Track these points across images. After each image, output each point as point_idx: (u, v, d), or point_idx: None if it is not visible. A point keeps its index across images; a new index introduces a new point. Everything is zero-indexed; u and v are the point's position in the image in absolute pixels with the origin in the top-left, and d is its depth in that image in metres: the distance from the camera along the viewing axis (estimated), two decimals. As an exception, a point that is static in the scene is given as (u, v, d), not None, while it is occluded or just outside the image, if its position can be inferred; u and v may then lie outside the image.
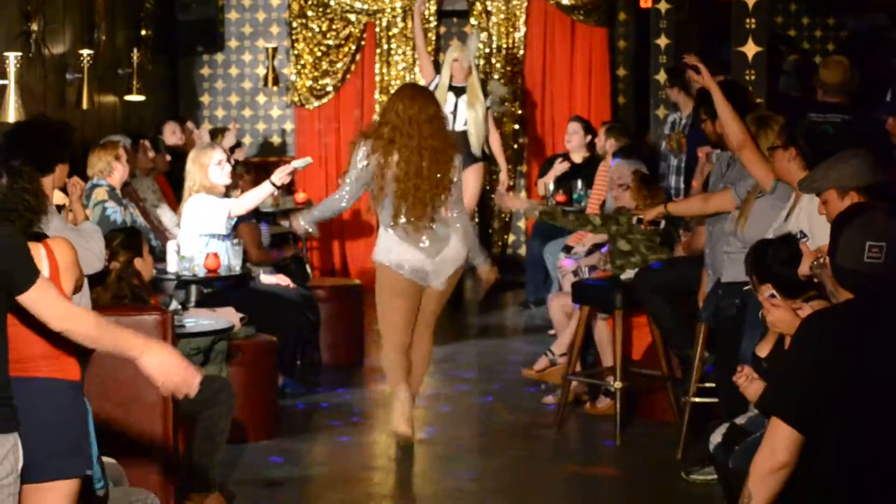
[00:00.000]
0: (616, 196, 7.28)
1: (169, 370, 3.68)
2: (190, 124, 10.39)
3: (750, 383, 4.24)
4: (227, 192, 7.36)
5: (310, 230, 6.63)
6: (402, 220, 6.26)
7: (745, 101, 6.53)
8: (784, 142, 5.41)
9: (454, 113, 9.55)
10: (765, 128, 5.79)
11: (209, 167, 7.20)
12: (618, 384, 6.62)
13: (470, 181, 9.18)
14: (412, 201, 6.22)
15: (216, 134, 10.39)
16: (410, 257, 6.31)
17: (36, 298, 3.56)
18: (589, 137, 9.86)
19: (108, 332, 3.64)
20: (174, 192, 8.78)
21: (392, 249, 6.33)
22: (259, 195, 7.27)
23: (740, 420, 4.83)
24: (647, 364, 6.90)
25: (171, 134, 9.88)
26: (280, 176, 7.15)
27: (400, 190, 6.22)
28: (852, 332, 3.20)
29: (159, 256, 6.98)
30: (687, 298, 6.50)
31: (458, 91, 9.66)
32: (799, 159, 5.31)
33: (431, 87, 9.27)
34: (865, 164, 4.59)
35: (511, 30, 11.59)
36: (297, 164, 7.37)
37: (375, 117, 9.71)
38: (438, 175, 6.24)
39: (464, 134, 9.54)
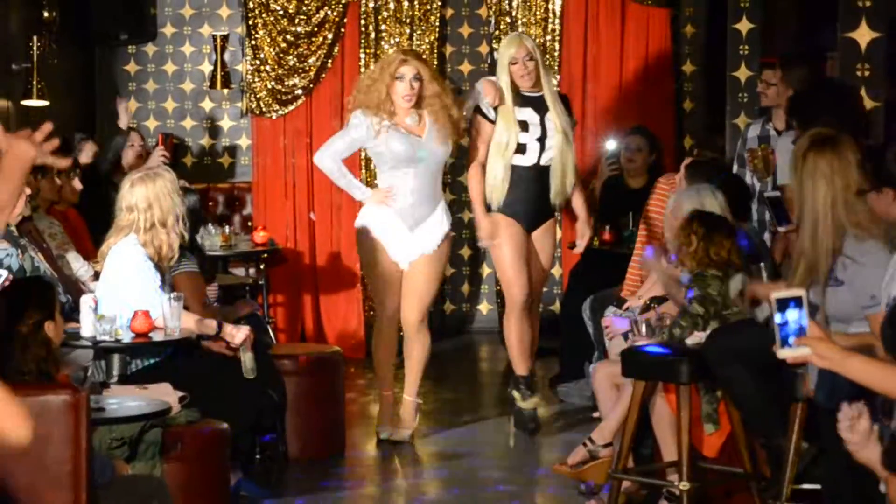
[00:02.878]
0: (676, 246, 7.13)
1: None
2: (135, 136, 10.31)
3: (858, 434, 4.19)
4: None
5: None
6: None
7: (851, 107, 6.56)
8: (873, 185, 5.46)
9: (541, 140, 8.56)
10: (821, 151, 5.73)
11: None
12: (684, 485, 6.63)
13: (544, 252, 8.85)
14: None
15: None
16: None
17: None
18: (654, 156, 9.90)
19: None
20: (89, 228, 8.83)
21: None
22: (194, 327, 7.14)
23: None
24: (723, 458, 6.92)
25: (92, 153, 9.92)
26: (238, 336, 7.19)
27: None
28: None
29: (69, 315, 7.00)
30: (777, 370, 6.50)
31: (536, 104, 8.58)
32: None
33: (491, 117, 8.48)
34: None
35: (542, 14, 11.59)
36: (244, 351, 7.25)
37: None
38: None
39: (544, 171, 8.62)
